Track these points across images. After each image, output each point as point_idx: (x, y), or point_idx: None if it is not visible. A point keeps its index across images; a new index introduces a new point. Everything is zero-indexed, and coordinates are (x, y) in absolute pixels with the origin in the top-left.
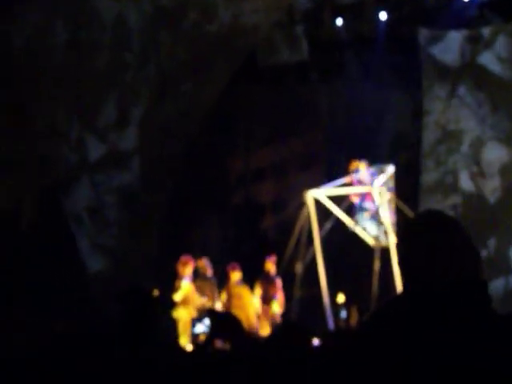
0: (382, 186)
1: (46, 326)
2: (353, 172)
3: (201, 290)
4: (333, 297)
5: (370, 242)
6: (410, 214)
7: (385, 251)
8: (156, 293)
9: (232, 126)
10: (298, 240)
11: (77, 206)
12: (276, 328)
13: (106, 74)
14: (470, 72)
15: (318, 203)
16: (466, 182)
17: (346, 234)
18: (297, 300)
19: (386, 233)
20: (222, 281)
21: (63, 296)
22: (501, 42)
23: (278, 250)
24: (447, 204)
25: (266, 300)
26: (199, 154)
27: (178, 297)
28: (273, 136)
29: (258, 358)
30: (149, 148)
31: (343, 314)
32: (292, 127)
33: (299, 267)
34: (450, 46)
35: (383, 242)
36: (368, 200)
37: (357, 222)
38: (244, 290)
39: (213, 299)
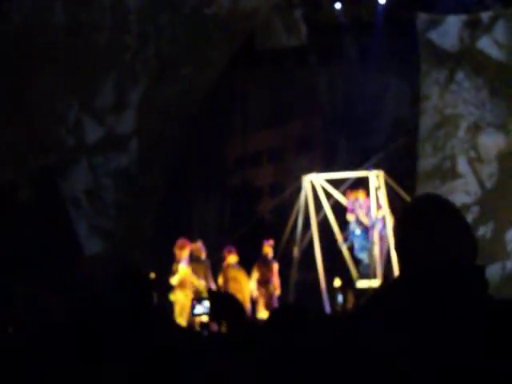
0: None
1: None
2: (352, 201)
3: (195, 273)
4: (329, 281)
5: (352, 270)
6: (407, 199)
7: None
8: (152, 275)
9: (230, 109)
10: (295, 224)
11: (74, 189)
12: (274, 311)
13: (104, 56)
14: (468, 57)
15: (316, 187)
16: (463, 167)
17: (342, 219)
18: (293, 284)
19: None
20: (218, 264)
21: (60, 277)
22: (500, 27)
23: (275, 234)
24: (445, 190)
25: (263, 283)
26: (197, 136)
27: (174, 280)
28: (271, 119)
29: (257, 341)
30: (147, 131)
31: (339, 298)
32: (290, 111)
33: (296, 251)
34: (448, 31)
35: (362, 282)
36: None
37: (346, 239)
38: (240, 273)
39: (207, 282)
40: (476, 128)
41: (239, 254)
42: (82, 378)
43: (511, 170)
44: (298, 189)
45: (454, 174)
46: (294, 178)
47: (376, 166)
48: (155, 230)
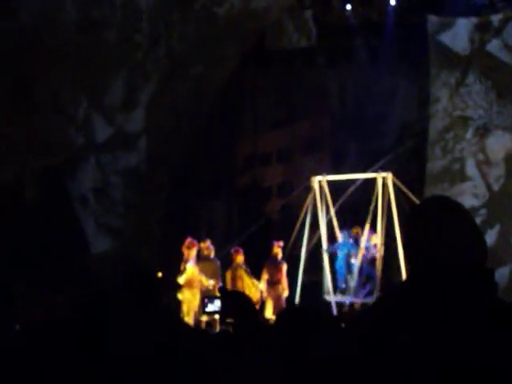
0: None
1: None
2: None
3: (204, 272)
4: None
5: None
6: (415, 201)
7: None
8: (159, 274)
9: (240, 108)
10: (303, 224)
11: (83, 187)
12: (281, 312)
13: (115, 55)
14: (478, 60)
15: (324, 188)
16: (471, 170)
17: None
18: (300, 285)
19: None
20: (225, 263)
21: (67, 274)
22: (510, 30)
23: (283, 234)
24: (454, 192)
25: (272, 284)
26: (206, 135)
27: (181, 279)
28: (280, 120)
29: (265, 341)
30: (156, 129)
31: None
32: (300, 111)
33: (303, 252)
34: (458, 34)
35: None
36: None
37: (332, 249)
38: (243, 273)
39: (216, 281)
40: (484, 130)
41: (247, 254)
42: (85, 376)
43: None
44: (307, 189)
45: (462, 176)
46: (303, 178)
47: (384, 169)
48: (163, 228)
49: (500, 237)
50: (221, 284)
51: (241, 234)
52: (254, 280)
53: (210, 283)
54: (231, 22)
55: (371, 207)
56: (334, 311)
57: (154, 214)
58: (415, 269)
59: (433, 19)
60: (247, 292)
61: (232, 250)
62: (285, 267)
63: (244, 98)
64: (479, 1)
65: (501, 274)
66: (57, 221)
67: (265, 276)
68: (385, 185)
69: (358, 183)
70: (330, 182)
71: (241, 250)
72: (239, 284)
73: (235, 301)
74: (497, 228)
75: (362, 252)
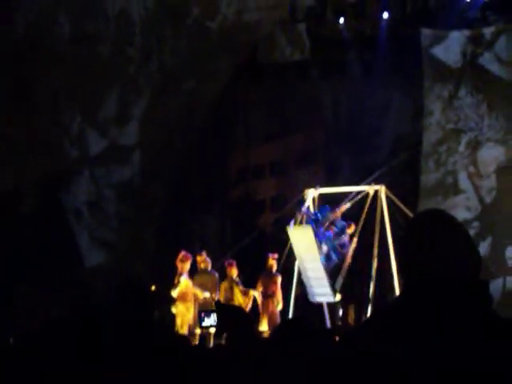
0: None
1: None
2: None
3: (203, 285)
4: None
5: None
6: (408, 214)
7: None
8: (153, 287)
9: (233, 121)
10: None
11: (77, 200)
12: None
13: (108, 68)
14: (470, 72)
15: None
16: (464, 183)
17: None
18: (295, 297)
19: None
20: (220, 275)
21: (61, 288)
22: (502, 43)
23: (277, 247)
24: (447, 205)
25: (267, 297)
26: (200, 149)
27: (175, 292)
28: (273, 132)
29: (262, 355)
30: (149, 143)
31: (340, 312)
32: (293, 124)
33: (297, 265)
34: (451, 47)
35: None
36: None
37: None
38: (235, 285)
39: (213, 293)
40: (476, 143)
41: (241, 266)
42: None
43: (510, 184)
44: (300, 202)
45: (455, 189)
46: (296, 191)
47: (378, 181)
48: (157, 241)
49: (492, 249)
50: (218, 297)
51: (234, 247)
52: (250, 290)
53: (206, 295)
54: (224, 36)
55: (361, 218)
56: (328, 323)
57: (147, 227)
58: (409, 282)
59: (426, 32)
60: (237, 303)
61: (225, 263)
62: (279, 279)
63: (237, 111)
64: (472, 14)
65: (493, 286)
66: (51, 234)
67: (259, 288)
68: (378, 198)
69: (351, 196)
70: (323, 195)
71: (234, 263)
72: (233, 295)
73: (231, 315)
74: (489, 240)
75: (330, 229)
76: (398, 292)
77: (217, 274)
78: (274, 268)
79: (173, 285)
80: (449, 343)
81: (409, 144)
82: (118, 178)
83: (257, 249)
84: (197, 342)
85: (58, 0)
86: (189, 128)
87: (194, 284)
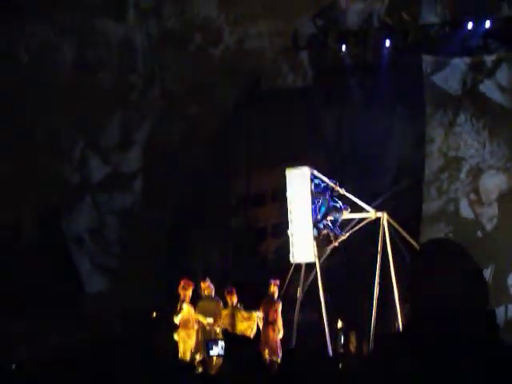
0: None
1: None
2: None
3: (206, 311)
4: (331, 322)
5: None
6: (410, 241)
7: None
8: (154, 314)
9: (235, 148)
10: (299, 264)
11: (79, 227)
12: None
13: (110, 95)
14: (471, 100)
15: None
16: (465, 210)
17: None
18: (296, 324)
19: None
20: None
21: (62, 315)
22: (503, 71)
23: (278, 274)
24: (448, 232)
25: (268, 323)
26: (202, 176)
27: (177, 319)
28: (275, 160)
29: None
30: (151, 170)
31: (341, 339)
32: (295, 151)
33: (299, 292)
34: (452, 74)
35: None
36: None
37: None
38: (237, 312)
39: (216, 320)
40: (477, 170)
41: (240, 294)
42: None
43: (511, 211)
44: None
45: (457, 217)
46: None
47: (381, 208)
48: (159, 268)
49: (494, 277)
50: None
51: (235, 275)
52: (253, 313)
53: (209, 321)
54: (226, 63)
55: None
56: (330, 350)
57: (149, 254)
58: (415, 310)
59: (427, 59)
60: (241, 328)
61: (225, 292)
62: (280, 306)
63: (239, 137)
64: (474, 42)
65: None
66: (53, 261)
67: (260, 315)
68: (380, 224)
69: (353, 223)
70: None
71: (234, 290)
72: (235, 322)
73: (238, 343)
74: (491, 268)
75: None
76: (399, 319)
77: (221, 301)
78: (276, 294)
79: (175, 311)
80: (454, 372)
81: (411, 170)
82: (120, 205)
83: (258, 276)
84: (200, 370)
85: (61, 29)
86: (191, 154)
87: (198, 310)
